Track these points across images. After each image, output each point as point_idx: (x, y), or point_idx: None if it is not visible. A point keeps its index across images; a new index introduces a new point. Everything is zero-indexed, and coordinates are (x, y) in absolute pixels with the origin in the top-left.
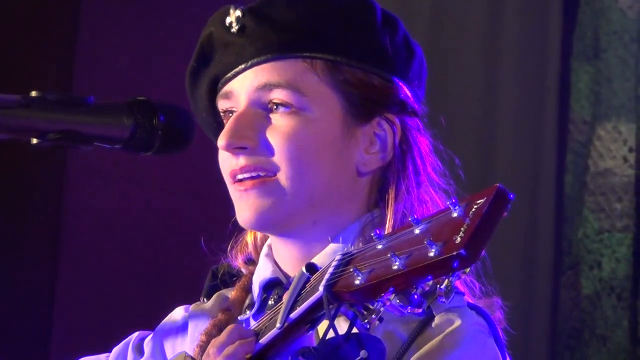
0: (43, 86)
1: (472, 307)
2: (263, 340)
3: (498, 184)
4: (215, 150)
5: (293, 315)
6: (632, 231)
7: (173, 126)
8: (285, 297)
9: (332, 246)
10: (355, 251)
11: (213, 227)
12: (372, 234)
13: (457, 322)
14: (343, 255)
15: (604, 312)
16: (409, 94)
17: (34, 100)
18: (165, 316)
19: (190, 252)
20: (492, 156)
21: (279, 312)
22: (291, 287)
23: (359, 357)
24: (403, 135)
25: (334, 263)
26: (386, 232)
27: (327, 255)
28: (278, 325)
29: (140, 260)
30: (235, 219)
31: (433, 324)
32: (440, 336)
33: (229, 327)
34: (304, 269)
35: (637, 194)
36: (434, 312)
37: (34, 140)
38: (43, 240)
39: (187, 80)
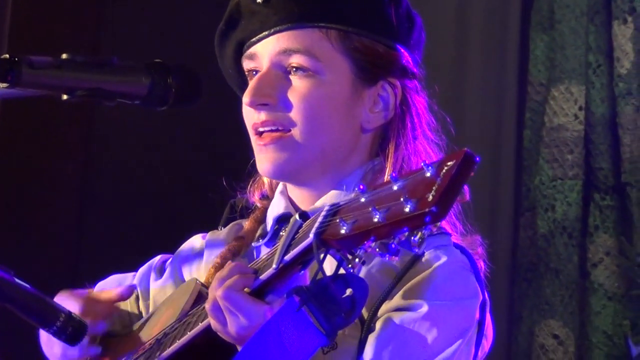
0: (73, 49)
1: (457, 246)
2: (262, 277)
3: (466, 149)
4: (227, 105)
5: (287, 257)
6: (582, 179)
7: (184, 85)
8: (281, 240)
9: (334, 192)
10: (342, 203)
11: (223, 171)
12: (356, 189)
13: (444, 258)
14: (331, 206)
15: (557, 249)
16: (409, 59)
17: (65, 62)
18: (183, 241)
19: (203, 193)
20: (461, 114)
21: (275, 254)
22: (286, 232)
23: (345, 295)
24: (403, 96)
25: (323, 213)
26: (370, 186)
27: (333, 196)
28: (274, 266)
29: (159, 201)
30: (254, 161)
31: (423, 259)
32: (429, 270)
33: (231, 264)
34: (297, 216)
35: (586, 147)
36: (424, 250)
37: (64, 96)
38: (73, 183)
39: (216, 40)
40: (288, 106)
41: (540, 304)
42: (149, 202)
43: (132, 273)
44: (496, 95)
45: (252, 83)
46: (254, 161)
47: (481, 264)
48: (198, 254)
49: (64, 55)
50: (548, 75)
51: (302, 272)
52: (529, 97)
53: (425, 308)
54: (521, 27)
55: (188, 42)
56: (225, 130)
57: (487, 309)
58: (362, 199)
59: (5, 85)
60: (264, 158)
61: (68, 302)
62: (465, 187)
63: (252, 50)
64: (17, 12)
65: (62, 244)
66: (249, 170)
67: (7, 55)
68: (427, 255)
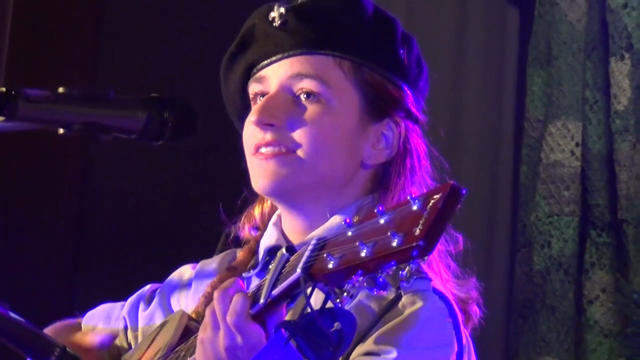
0: (69, 83)
1: (436, 292)
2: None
3: (452, 182)
4: (221, 137)
5: (275, 292)
6: (578, 215)
7: (180, 119)
8: (268, 275)
9: (331, 221)
10: (329, 237)
11: (219, 200)
12: (343, 222)
13: (419, 304)
14: (318, 240)
15: (552, 286)
16: (415, 103)
17: (61, 95)
18: (174, 270)
19: (196, 225)
20: (459, 149)
21: (262, 288)
22: (273, 266)
23: (333, 329)
24: (406, 138)
25: (310, 247)
26: (357, 220)
27: (326, 229)
28: (262, 300)
29: (154, 231)
30: (244, 196)
31: (400, 304)
32: (403, 315)
33: (233, 279)
34: (284, 250)
35: (582, 183)
36: (402, 293)
37: (61, 130)
38: (68, 216)
39: (224, 64)
40: (294, 129)
41: (536, 340)
42: (144, 233)
43: (121, 303)
44: (493, 130)
45: (260, 103)
46: (245, 196)
47: (475, 309)
48: (187, 284)
49: (61, 89)
50: (545, 111)
51: (291, 305)
52: (525, 133)
53: (394, 355)
54: (518, 62)
55: (184, 74)
56: (221, 160)
57: (466, 357)
58: (349, 233)
59: (1, 118)
60: (262, 173)
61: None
62: (459, 236)
63: (262, 73)
64: (14, 43)
65: (57, 273)
66: (239, 206)
67: (4, 89)
68: (404, 299)
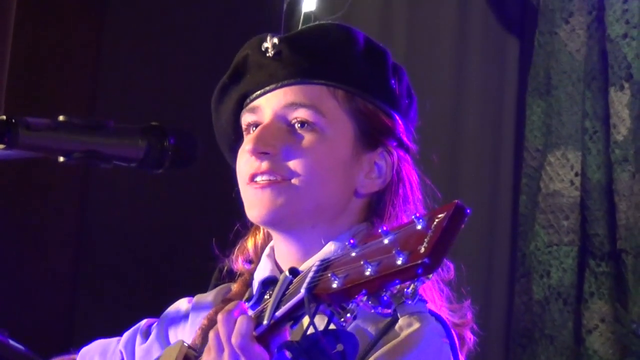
0: (70, 111)
1: (432, 314)
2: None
3: (457, 201)
4: (216, 169)
5: (278, 313)
6: (577, 245)
7: (181, 147)
8: (272, 297)
9: (326, 249)
10: (333, 258)
11: (214, 234)
12: (347, 243)
13: (416, 325)
14: (322, 261)
15: (552, 315)
16: (406, 132)
17: (62, 124)
18: (170, 305)
19: (194, 256)
20: (457, 178)
21: (265, 310)
22: (276, 288)
23: (335, 350)
24: (398, 167)
25: (314, 268)
26: (361, 241)
27: (321, 256)
28: (265, 322)
29: (151, 262)
30: (237, 228)
31: (397, 326)
32: (400, 337)
33: (236, 301)
34: (287, 272)
35: (582, 213)
36: (398, 315)
37: (61, 159)
38: (67, 246)
39: (216, 95)
40: (289, 158)
41: None
42: (141, 266)
43: (117, 338)
44: (492, 160)
45: (255, 132)
46: (237, 229)
47: (468, 334)
48: (184, 316)
49: (61, 118)
50: (544, 140)
51: (294, 327)
52: (525, 162)
53: None
54: (518, 92)
55: (183, 103)
56: (218, 193)
57: None
58: (353, 254)
59: (1, 146)
60: (258, 202)
61: None
62: (450, 264)
63: (255, 103)
64: (13, 73)
65: (54, 305)
66: (231, 239)
67: (4, 117)
68: (401, 321)
